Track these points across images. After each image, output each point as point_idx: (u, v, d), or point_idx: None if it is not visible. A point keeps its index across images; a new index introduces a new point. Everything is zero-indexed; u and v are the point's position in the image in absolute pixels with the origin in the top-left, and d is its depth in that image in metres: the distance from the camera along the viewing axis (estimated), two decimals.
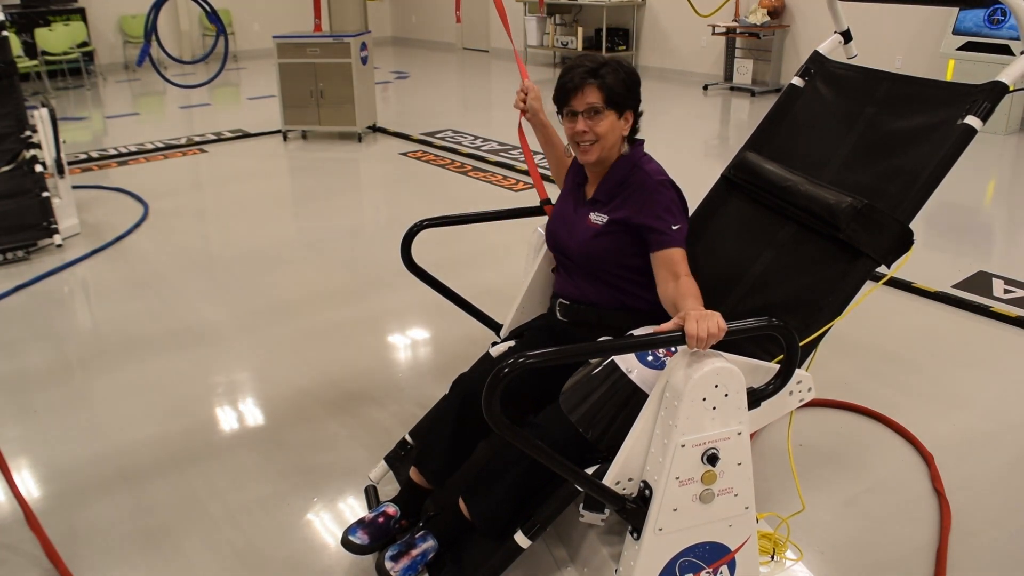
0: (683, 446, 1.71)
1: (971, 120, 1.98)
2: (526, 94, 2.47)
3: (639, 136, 2.25)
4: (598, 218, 2.19)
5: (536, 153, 2.64)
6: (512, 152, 6.69)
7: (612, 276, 2.19)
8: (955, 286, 3.96)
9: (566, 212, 2.31)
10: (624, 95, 2.13)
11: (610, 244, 2.16)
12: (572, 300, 2.25)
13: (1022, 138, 7.06)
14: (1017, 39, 6.54)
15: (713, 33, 9.65)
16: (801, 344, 1.84)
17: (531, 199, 2.70)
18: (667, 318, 1.79)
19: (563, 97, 2.14)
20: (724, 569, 1.90)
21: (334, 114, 7.16)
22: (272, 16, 12.50)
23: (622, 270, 2.18)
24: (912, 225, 1.99)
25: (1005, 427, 2.84)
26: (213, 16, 4.97)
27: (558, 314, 2.28)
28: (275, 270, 4.40)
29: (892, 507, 2.44)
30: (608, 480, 1.78)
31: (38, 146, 4.81)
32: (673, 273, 2.03)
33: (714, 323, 1.67)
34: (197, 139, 7.43)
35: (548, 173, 2.60)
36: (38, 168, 4.74)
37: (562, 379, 2.01)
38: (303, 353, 3.46)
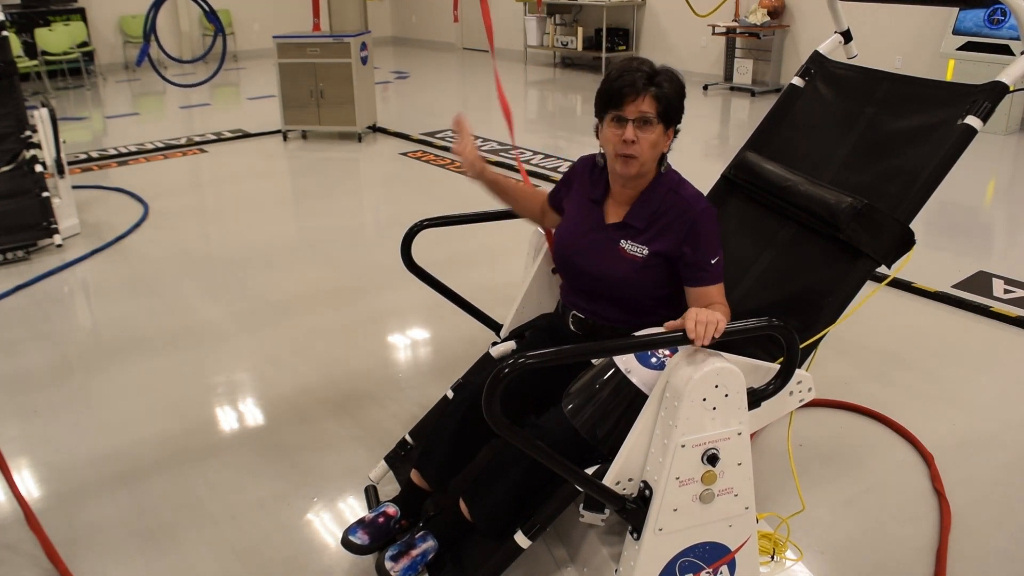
0: (683, 446, 1.72)
1: (971, 120, 1.99)
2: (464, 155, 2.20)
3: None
4: (636, 249, 2.03)
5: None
6: (512, 152, 6.69)
7: (637, 304, 2.10)
8: (955, 286, 3.96)
9: (582, 232, 2.15)
10: (676, 108, 1.99)
11: (649, 277, 2.04)
12: (587, 315, 2.17)
13: (1022, 138, 7.06)
14: (1017, 39, 6.54)
15: (713, 33, 9.65)
16: (802, 345, 1.84)
17: None
18: None
19: (616, 101, 1.95)
20: (724, 569, 1.90)
21: (334, 114, 7.16)
22: (272, 16, 12.49)
23: (651, 300, 2.09)
24: (912, 225, 1.99)
25: (1005, 427, 2.84)
26: (212, 16, 4.98)
27: (571, 326, 2.21)
28: (275, 270, 4.39)
29: (892, 507, 2.44)
30: (608, 480, 1.78)
31: (38, 146, 4.80)
32: (707, 306, 1.94)
33: (713, 316, 1.67)
34: (197, 139, 7.42)
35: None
36: (38, 168, 4.73)
37: (563, 379, 2.01)
38: (303, 353, 3.46)
